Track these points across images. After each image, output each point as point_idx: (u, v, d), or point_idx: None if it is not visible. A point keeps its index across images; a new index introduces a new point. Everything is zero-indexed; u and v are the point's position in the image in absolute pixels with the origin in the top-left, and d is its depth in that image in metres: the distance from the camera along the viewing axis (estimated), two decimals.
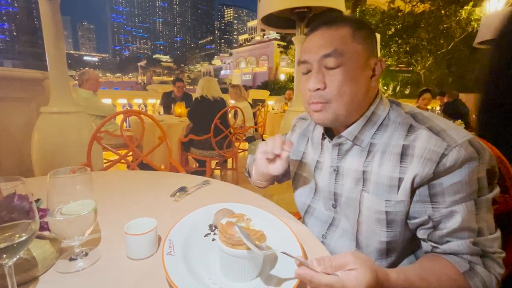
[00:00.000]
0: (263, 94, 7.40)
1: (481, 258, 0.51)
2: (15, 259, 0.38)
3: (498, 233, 0.52)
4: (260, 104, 5.35)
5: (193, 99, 2.78)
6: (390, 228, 0.57)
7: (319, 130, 0.72)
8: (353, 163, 0.62)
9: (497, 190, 0.53)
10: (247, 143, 3.77)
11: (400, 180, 0.54)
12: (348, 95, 0.56)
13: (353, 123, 0.61)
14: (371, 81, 0.59)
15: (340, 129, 0.64)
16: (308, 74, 0.61)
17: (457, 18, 11.51)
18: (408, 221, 0.57)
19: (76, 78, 2.77)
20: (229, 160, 3.58)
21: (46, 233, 0.50)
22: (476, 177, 0.50)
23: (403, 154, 0.55)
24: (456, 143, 0.50)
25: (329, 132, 0.69)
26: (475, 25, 10.59)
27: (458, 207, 0.50)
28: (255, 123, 4.72)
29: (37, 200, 0.55)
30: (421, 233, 0.56)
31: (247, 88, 5.20)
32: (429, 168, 0.51)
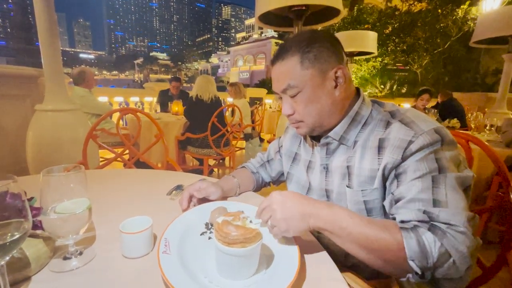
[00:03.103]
0: (261, 92, 7.39)
1: (428, 226, 0.48)
2: (7, 258, 0.38)
3: (461, 211, 0.48)
4: (258, 102, 5.34)
5: (190, 96, 2.76)
6: (371, 216, 0.62)
7: None
8: (339, 160, 0.67)
9: (465, 174, 0.53)
10: (244, 141, 3.77)
11: (378, 170, 0.59)
12: (314, 113, 0.64)
13: (335, 125, 0.65)
14: (335, 90, 0.63)
15: (324, 132, 0.68)
16: (281, 100, 0.68)
17: (454, 17, 11.54)
18: (383, 203, 0.60)
19: (72, 75, 2.73)
20: (227, 159, 3.58)
21: (39, 231, 0.50)
22: (435, 157, 0.53)
23: (380, 147, 0.59)
24: (423, 131, 0.55)
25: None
26: (472, 25, 10.64)
27: (414, 182, 0.53)
28: (253, 121, 4.72)
29: (31, 199, 0.54)
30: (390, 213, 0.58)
31: (244, 86, 5.19)
32: (397, 154, 0.56)
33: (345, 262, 0.69)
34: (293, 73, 0.61)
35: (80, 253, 0.51)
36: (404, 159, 0.55)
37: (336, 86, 0.62)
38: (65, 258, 0.50)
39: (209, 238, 0.56)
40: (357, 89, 0.68)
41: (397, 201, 0.55)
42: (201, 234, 0.57)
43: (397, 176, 0.56)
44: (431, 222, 0.48)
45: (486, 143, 0.89)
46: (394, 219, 0.55)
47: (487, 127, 2.38)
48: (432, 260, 0.45)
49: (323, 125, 0.65)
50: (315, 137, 0.73)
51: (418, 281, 0.47)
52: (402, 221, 0.51)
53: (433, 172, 0.52)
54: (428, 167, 0.52)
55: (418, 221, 0.49)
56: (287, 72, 0.62)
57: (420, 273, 0.46)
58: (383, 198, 0.60)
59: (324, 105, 0.62)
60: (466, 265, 0.46)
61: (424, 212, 0.50)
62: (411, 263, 0.46)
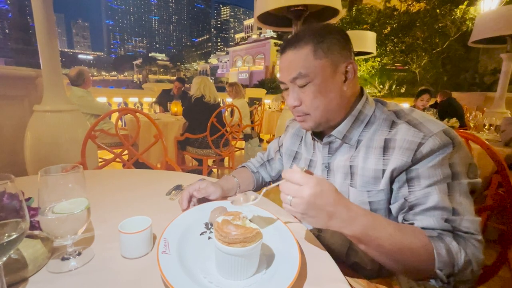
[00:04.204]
0: (260, 92, 7.39)
1: (452, 235, 0.50)
2: (4, 258, 0.37)
3: (476, 218, 0.52)
4: (257, 102, 5.34)
5: (188, 97, 2.76)
6: None
7: (310, 131, 0.75)
8: (342, 159, 0.66)
9: (476, 180, 0.54)
10: (243, 141, 3.76)
11: (384, 172, 0.58)
12: (322, 106, 0.62)
13: (339, 122, 0.65)
14: (344, 85, 0.62)
15: (328, 130, 0.67)
16: (287, 91, 0.66)
17: (452, 17, 11.59)
18: (390, 206, 0.59)
19: (69, 76, 2.72)
20: (226, 159, 3.57)
21: (37, 232, 0.49)
22: (448, 162, 0.52)
23: (386, 147, 0.58)
24: (432, 133, 0.54)
25: (319, 133, 0.72)
26: (470, 24, 10.68)
27: (431, 189, 0.52)
28: (252, 122, 4.72)
29: (28, 199, 0.53)
30: (400, 219, 0.57)
31: (243, 86, 5.19)
32: (407, 157, 0.54)
33: (346, 261, 0.69)
34: (306, 62, 0.59)
35: (79, 254, 0.51)
36: (414, 162, 0.54)
37: (345, 81, 0.62)
38: (63, 259, 0.49)
39: (209, 238, 0.56)
40: (361, 88, 0.68)
41: (412, 207, 0.54)
42: (200, 234, 0.57)
43: (408, 181, 0.55)
44: (454, 231, 0.50)
45: (486, 141, 0.89)
46: (406, 223, 0.54)
47: (486, 126, 2.38)
48: (457, 268, 0.47)
49: (329, 121, 0.64)
50: (317, 136, 0.72)
51: (440, 286, 0.49)
52: (423, 228, 0.51)
53: (447, 179, 0.52)
54: (442, 173, 0.52)
55: (442, 229, 0.50)
56: (299, 60, 0.60)
57: (446, 281, 0.47)
58: (388, 200, 0.59)
59: (332, 99, 0.61)
60: (480, 268, 0.48)
61: (446, 220, 0.50)
62: (438, 272, 0.47)
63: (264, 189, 0.55)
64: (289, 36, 0.65)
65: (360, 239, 0.47)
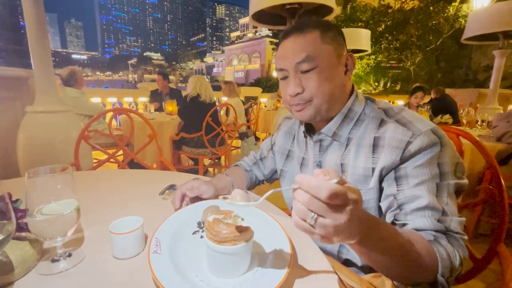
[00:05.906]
0: (256, 91, 7.39)
1: (445, 236, 0.50)
2: None
3: (462, 219, 0.53)
4: (253, 101, 5.34)
5: (184, 96, 2.75)
6: None
7: (303, 129, 0.75)
8: (333, 157, 0.66)
9: (462, 181, 0.55)
10: (240, 140, 3.76)
11: (373, 170, 0.58)
12: (326, 93, 0.61)
13: (331, 118, 0.64)
14: (345, 75, 0.63)
15: (320, 126, 0.67)
16: (286, 80, 0.64)
17: (445, 14, 11.68)
18: (380, 204, 0.59)
19: (61, 76, 2.68)
20: (222, 158, 3.57)
21: (25, 234, 0.49)
22: (436, 162, 0.53)
23: (375, 146, 0.59)
24: (420, 132, 0.54)
25: (311, 130, 0.72)
26: (463, 22, 10.77)
27: (420, 188, 0.52)
28: (248, 120, 4.71)
29: (16, 201, 0.53)
30: (388, 217, 0.57)
31: (239, 85, 5.18)
32: (396, 155, 0.54)
33: (338, 258, 0.69)
34: (314, 45, 0.59)
35: (69, 255, 0.50)
36: (403, 160, 0.54)
37: (346, 72, 0.63)
38: (53, 260, 0.49)
39: (201, 237, 0.56)
40: (352, 86, 0.68)
41: (401, 206, 0.54)
42: (193, 233, 0.57)
43: (397, 179, 0.55)
44: (445, 232, 0.50)
45: (477, 137, 0.90)
46: (392, 223, 0.54)
47: (479, 122, 2.41)
48: (454, 271, 0.47)
49: (327, 111, 0.63)
50: (309, 133, 0.72)
51: None
52: (417, 229, 0.51)
53: (436, 179, 0.52)
54: (431, 172, 0.52)
55: (435, 230, 0.50)
56: (307, 43, 0.59)
57: (447, 286, 0.47)
58: (378, 198, 0.59)
59: (335, 87, 0.61)
60: None
61: (439, 221, 0.50)
62: (440, 278, 0.46)
63: (271, 191, 0.41)
64: (292, 24, 0.66)
65: (363, 249, 0.41)
